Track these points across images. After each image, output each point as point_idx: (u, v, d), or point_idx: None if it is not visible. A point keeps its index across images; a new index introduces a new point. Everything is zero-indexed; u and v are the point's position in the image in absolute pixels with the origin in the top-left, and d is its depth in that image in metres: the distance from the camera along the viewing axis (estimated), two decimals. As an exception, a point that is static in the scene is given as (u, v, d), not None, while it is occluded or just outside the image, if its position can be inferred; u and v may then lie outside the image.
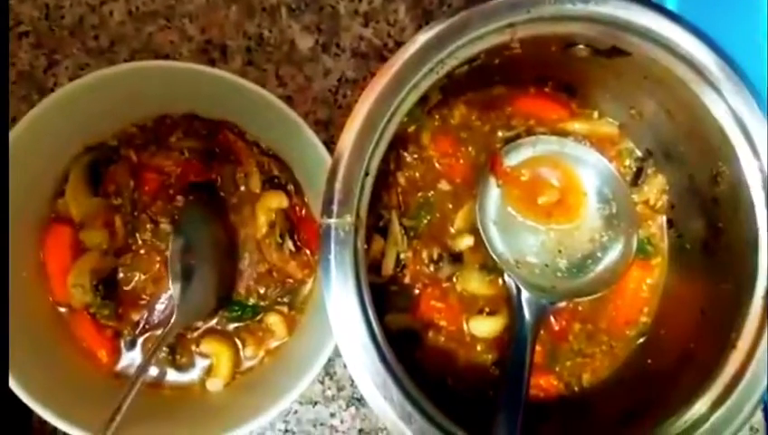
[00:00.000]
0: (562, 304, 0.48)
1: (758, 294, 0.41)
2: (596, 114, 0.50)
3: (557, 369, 0.49)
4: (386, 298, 0.48)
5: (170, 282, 0.47)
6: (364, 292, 0.39)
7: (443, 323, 0.49)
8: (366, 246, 0.41)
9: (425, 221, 0.49)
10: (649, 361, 0.48)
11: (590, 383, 0.50)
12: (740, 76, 0.40)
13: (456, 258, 0.49)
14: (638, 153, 0.50)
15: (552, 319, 0.49)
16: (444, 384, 0.48)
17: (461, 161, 0.50)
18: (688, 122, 0.44)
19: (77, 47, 0.52)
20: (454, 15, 0.40)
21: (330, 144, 0.45)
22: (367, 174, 0.40)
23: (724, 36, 0.40)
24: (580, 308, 0.49)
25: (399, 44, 0.53)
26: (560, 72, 0.48)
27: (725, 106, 0.41)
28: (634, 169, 0.50)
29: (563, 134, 0.50)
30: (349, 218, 0.39)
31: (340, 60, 0.53)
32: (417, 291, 0.49)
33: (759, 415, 0.54)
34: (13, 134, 0.43)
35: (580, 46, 0.42)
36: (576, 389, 0.49)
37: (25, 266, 0.47)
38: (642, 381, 0.48)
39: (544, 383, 0.49)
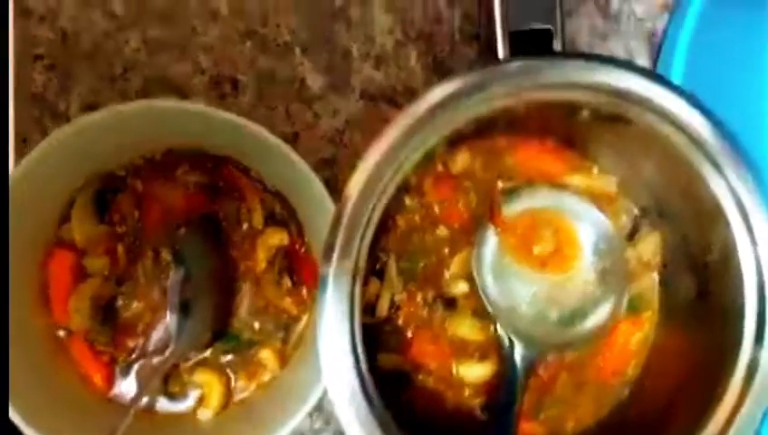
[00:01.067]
0: (552, 356, 0.49)
1: (743, 360, 0.41)
2: (596, 169, 0.51)
3: (541, 417, 0.50)
4: (379, 338, 0.49)
5: (168, 313, 0.48)
6: (356, 335, 0.40)
7: (433, 365, 0.49)
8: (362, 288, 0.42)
9: (421, 264, 0.50)
10: (633, 412, 0.49)
11: (573, 431, 0.50)
12: (740, 154, 0.41)
13: (450, 303, 0.50)
14: (635, 211, 0.51)
15: (540, 369, 0.50)
16: (432, 427, 0.49)
17: (460, 207, 0.51)
18: (686, 190, 0.45)
19: (90, 73, 0.53)
20: (466, 76, 0.41)
21: (333, 182, 0.46)
22: (369, 223, 0.40)
23: (728, 113, 0.41)
24: (568, 359, 0.50)
25: (408, 89, 0.55)
26: (562, 130, 0.49)
27: (724, 182, 0.41)
28: (629, 227, 0.51)
29: (563, 187, 0.50)
30: (348, 264, 0.40)
31: (349, 101, 0.54)
32: (409, 333, 0.49)
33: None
34: (25, 163, 0.44)
35: (584, 112, 0.43)
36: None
37: (28, 288, 0.48)
38: (626, 431, 0.48)
39: (528, 429, 0.50)
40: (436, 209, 0.50)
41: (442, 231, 0.50)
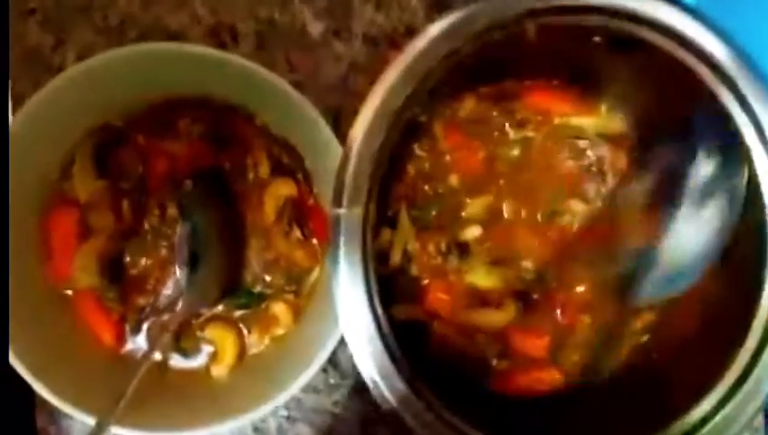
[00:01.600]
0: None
1: (766, 295, 0.40)
2: (604, 108, 0.49)
3: (562, 363, 0.49)
4: (393, 289, 0.48)
5: (177, 268, 0.47)
6: (372, 283, 0.39)
7: (449, 315, 0.49)
8: (374, 237, 0.41)
9: (433, 212, 0.49)
10: (654, 355, 0.48)
11: (593, 379, 0.49)
12: (756, 74, 0.40)
13: (463, 250, 0.49)
14: (644, 147, 0.49)
15: (558, 313, 0.49)
16: (447, 375, 0.48)
17: (471, 154, 0.50)
18: (704, 122, 0.43)
19: (85, 26, 0.52)
20: (467, 5, 0.39)
21: (339, 131, 0.45)
22: (377, 166, 0.39)
23: (743, 33, 0.39)
24: (586, 300, 0.49)
25: (411, 30, 0.53)
26: (571, 66, 0.47)
27: (740, 103, 0.40)
28: (638, 162, 0.49)
29: (571, 130, 0.49)
30: (358, 210, 0.39)
31: (351, 46, 0.52)
32: (424, 282, 0.48)
33: (759, 415, 0.54)
34: (19, 115, 0.42)
35: (596, 38, 0.42)
36: (578, 384, 0.49)
37: (31, 248, 0.47)
38: (646, 377, 0.48)
39: (546, 377, 0.49)
40: (448, 157, 0.49)
41: (454, 179, 0.49)
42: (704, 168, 0.42)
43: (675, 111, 0.45)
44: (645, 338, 0.49)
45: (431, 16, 0.52)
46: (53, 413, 0.51)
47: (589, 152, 0.49)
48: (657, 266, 0.43)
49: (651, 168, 0.46)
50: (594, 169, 0.49)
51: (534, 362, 0.49)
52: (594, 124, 0.49)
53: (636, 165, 0.48)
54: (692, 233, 0.42)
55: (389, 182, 0.48)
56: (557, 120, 0.50)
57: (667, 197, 0.44)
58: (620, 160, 0.49)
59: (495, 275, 0.49)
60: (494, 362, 0.49)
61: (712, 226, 0.42)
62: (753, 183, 0.41)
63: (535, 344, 0.49)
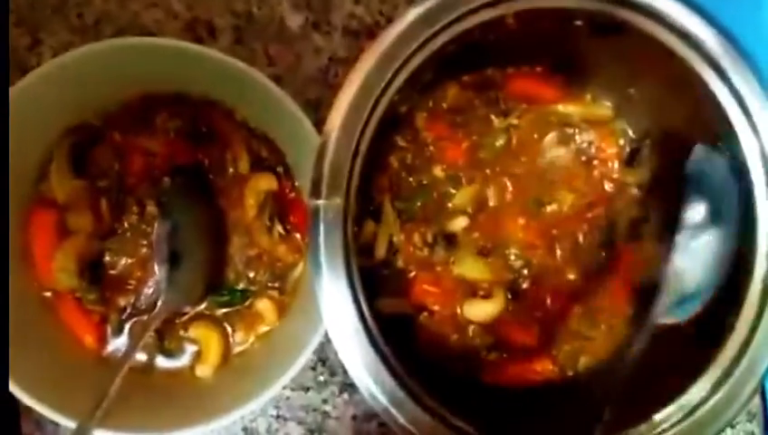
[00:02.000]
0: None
1: (756, 279, 0.40)
2: (589, 97, 0.49)
3: (554, 353, 0.48)
4: (378, 282, 0.47)
5: (156, 266, 0.46)
6: (354, 275, 0.38)
7: (436, 307, 0.48)
8: (357, 229, 0.41)
9: (418, 204, 0.48)
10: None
11: (586, 367, 0.49)
12: (741, 54, 0.39)
13: (450, 241, 0.48)
14: (632, 135, 0.49)
15: (547, 300, 0.48)
16: (436, 369, 0.48)
17: (455, 145, 0.49)
18: (687, 102, 0.42)
19: (60, 25, 0.51)
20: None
21: (320, 124, 0.44)
22: (356, 155, 0.38)
23: (727, 15, 0.39)
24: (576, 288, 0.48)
25: (391, 21, 0.52)
26: (554, 52, 0.46)
27: (726, 84, 0.39)
28: (628, 150, 0.49)
29: (556, 117, 0.49)
30: (338, 200, 0.38)
31: (330, 38, 0.52)
32: (410, 275, 0.48)
33: (756, 400, 0.53)
34: (-6, 113, 0.42)
35: (578, 22, 0.41)
36: (571, 373, 0.48)
37: (10, 250, 0.46)
38: (640, 364, 0.47)
39: (539, 368, 0.48)
40: (431, 148, 0.49)
41: (438, 170, 0.49)
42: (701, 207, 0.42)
43: (662, 99, 0.45)
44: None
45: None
46: (39, 420, 0.50)
47: (576, 138, 0.49)
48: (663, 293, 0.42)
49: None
50: (583, 156, 0.49)
51: (526, 353, 0.48)
52: (580, 112, 0.49)
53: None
54: (693, 261, 0.41)
55: (372, 174, 0.47)
56: (542, 108, 0.49)
57: (667, 226, 0.43)
58: (608, 147, 0.49)
59: (483, 265, 0.48)
60: (485, 353, 0.48)
61: (713, 253, 0.41)
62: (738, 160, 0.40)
63: (526, 334, 0.48)
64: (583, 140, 0.49)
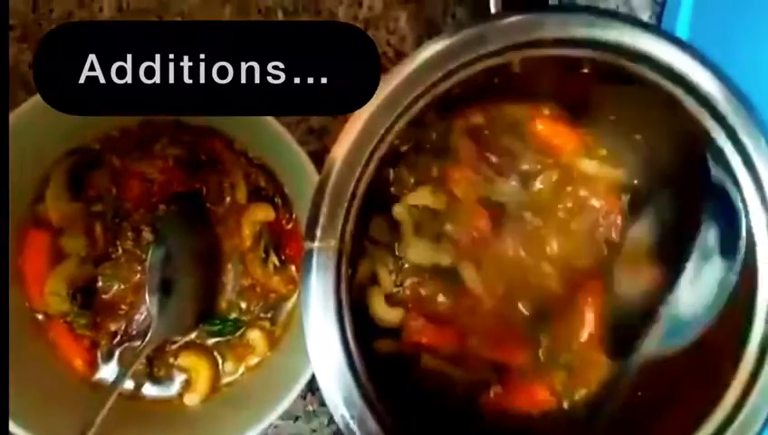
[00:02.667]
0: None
1: (754, 341, 0.39)
2: (604, 152, 0.47)
3: (549, 380, 0.47)
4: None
5: (147, 293, 0.46)
6: (345, 318, 0.38)
7: (434, 344, 0.47)
8: (352, 271, 0.40)
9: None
10: (639, 393, 0.47)
11: (582, 398, 0.48)
12: (748, 110, 0.38)
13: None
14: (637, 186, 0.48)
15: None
16: (430, 404, 0.47)
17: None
18: (691, 154, 0.42)
19: (64, 43, 0.51)
20: (457, 33, 0.38)
21: (324, 153, 0.43)
22: (354, 197, 0.38)
23: (736, 70, 0.38)
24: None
25: (399, 53, 0.52)
26: (560, 96, 0.46)
27: (731, 140, 0.39)
28: (628, 204, 0.48)
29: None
30: (332, 243, 0.38)
31: (335, 67, 0.51)
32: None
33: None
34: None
35: (585, 70, 0.40)
36: (566, 404, 0.47)
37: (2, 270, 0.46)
38: (631, 413, 0.46)
39: (538, 396, 0.47)
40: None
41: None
42: (709, 229, 0.41)
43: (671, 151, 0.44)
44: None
45: (420, 41, 0.51)
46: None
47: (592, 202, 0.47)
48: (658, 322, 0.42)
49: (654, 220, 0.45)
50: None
51: (523, 378, 0.47)
52: (592, 167, 0.47)
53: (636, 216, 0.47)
54: (695, 290, 0.42)
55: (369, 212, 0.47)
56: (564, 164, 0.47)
57: (671, 252, 0.43)
58: (612, 205, 0.47)
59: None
60: (484, 387, 0.47)
61: (714, 283, 0.41)
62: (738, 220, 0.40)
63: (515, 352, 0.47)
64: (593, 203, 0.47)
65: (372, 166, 0.39)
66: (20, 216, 0.47)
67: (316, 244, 0.38)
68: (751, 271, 0.39)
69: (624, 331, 0.45)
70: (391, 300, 0.46)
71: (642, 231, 0.45)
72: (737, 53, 0.40)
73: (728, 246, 0.41)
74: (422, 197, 0.46)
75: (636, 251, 0.45)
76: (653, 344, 0.42)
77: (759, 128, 0.39)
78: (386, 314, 0.45)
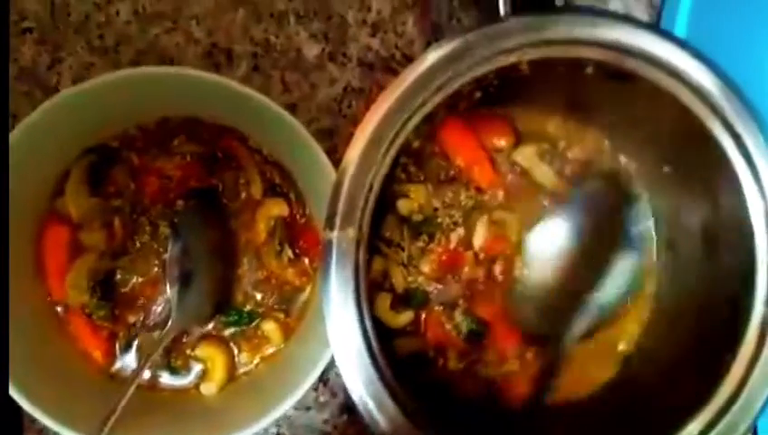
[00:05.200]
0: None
1: (754, 323, 0.41)
2: (607, 143, 0.50)
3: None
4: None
5: (168, 286, 0.47)
6: (363, 306, 0.39)
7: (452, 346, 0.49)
8: (369, 260, 0.42)
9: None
10: (638, 377, 0.49)
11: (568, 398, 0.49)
12: (746, 106, 0.40)
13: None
14: (634, 176, 0.50)
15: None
16: (444, 396, 0.48)
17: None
18: (691, 149, 0.44)
19: (81, 45, 0.52)
20: (464, 35, 0.40)
21: (332, 153, 0.45)
22: (371, 189, 0.40)
23: (734, 67, 0.40)
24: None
25: (406, 56, 0.54)
26: (565, 94, 0.48)
27: (731, 136, 0.41)
28: (629, 192, 0.50)
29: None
30: (351, 233, 0.39)
31: (345, 69, 0.53)
32: (423, 315, 0.49)
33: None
34: (14, 134, 0.43)
35: (589, 69, 0.42)
36: (555, 400, 0.49)
37: (22, 264, 0.47)
38: (630, 398, 0.48)
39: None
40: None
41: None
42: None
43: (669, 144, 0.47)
44: (630, 353, 0.49)
45: (427, 44, 0.53)
46: (43, 430, 0.51)
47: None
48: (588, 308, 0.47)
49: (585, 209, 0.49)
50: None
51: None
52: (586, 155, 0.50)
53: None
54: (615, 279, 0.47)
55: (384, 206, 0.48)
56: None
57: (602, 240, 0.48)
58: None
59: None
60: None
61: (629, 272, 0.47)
62: (741, 210, 0.41)
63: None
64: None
65: (388, 160, 0.40)
66: (40, 211, 0.48)
67: (335, 233, 0.39)
68: (749, 257, 0.41)
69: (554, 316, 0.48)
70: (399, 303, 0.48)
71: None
72: (733, 50, 0.42)
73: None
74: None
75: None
76: (582, 328, 0.47)
77: (756, 121, 0.41)
78: (392, 319, 0.47)
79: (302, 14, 0.53)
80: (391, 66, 0.53)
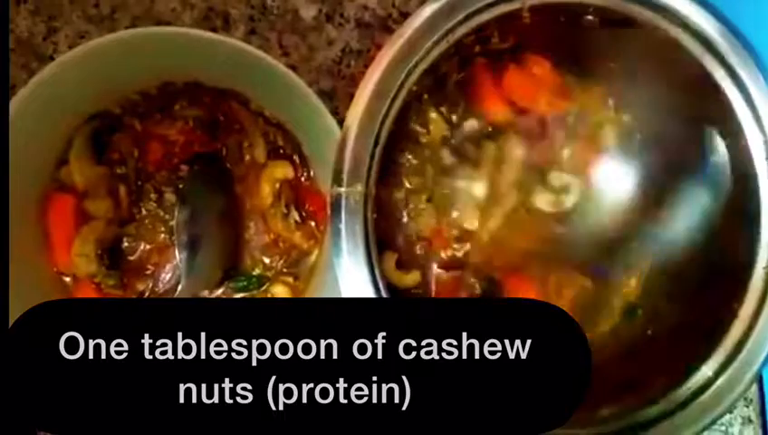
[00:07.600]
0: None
1: (759, 266, 0.41)
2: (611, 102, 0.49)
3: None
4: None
5: (177, 252, 0.47)
6: (374, 260, 0.39)
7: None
8: (377, 216, 0.42)
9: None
10: (649, 332, 0.49)
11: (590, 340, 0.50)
12: (747, 49, 0.40)
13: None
14: (638, 132, 0.50)
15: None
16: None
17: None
18: (694, 98, 0.44)
19: (77, 14, 0.51)
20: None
21: (333, 114, 0.45)
22: (377, 144, 0.40)
23: (735, 10, 0.40)
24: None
25: (404, 15, 0.53)
26: (565, 44, 0.48)
27: (732, 79, 0.41)
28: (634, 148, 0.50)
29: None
30: (359, 187, 0.39)
31: (343, 30, 0.53)
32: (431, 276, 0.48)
33: (753, 386, 0.55)
34: (14, 103, 0.42)
35: (589, 17, 0.42)
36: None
37: (28, 235, 0.47)
38: (644, 348, 0.48)
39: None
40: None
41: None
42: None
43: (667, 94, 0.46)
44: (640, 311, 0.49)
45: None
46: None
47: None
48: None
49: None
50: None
51: None
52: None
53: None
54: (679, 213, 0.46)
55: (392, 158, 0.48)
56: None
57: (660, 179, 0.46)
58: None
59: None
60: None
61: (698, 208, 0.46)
62: (743, 155, 0.42)
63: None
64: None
65: (393, 114, 0.40)
66: (44, 181, 0.47)
67: (343, 189, 0.39)
68: (753, 201, 0.42)
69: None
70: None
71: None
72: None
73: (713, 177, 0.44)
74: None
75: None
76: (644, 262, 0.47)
77: (758, 66, 0.41)
78: (399, 279, 0.47)
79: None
80: (389, 25, 0.53)
